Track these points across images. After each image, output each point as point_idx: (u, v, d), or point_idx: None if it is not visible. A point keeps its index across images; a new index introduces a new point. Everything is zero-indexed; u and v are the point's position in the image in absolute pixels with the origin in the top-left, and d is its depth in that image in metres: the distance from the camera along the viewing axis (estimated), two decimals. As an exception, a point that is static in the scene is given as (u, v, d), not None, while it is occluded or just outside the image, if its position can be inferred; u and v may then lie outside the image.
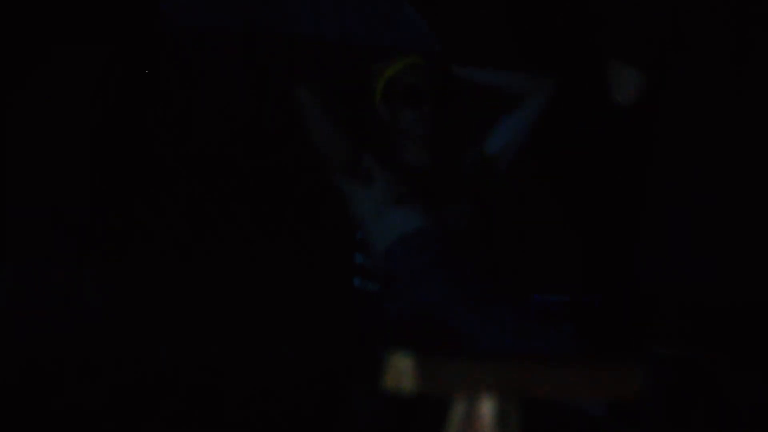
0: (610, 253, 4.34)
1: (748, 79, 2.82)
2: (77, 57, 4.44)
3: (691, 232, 2.82)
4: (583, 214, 4.56)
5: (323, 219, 4.27)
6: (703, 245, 2.81)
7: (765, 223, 2.81)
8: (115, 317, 4.35)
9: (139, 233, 4.50)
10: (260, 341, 4.29)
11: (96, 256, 4.44)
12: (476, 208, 3.45)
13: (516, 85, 3.53)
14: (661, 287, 2.86)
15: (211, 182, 4.59)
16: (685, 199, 2.83)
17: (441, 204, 3.41)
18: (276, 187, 4.56)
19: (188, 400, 4.09)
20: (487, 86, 3.56)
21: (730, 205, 2.82)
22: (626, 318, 3.84)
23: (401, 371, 1.47)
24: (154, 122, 4.58)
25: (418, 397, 1.49)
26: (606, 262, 4.36)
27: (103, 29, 4.46)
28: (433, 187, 3.45)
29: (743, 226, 2.82)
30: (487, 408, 1.50)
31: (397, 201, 3.40)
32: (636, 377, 1.60)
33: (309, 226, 4.48)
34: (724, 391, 2.79)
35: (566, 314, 3.93)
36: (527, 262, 4.38)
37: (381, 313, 3.24)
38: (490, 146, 3.54)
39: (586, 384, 1.59)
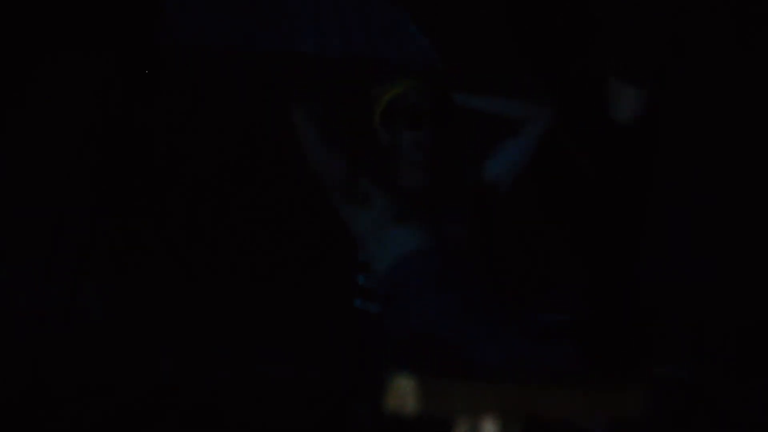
0: (612, 271, 4.33)
1: (748, 83, 2.83)
2: (77, 67, 4.45)
3: (692, 246, 2.83)
4: (584, 231, 4.55)
5: (325, 240, 4.27)
6: (705, 261, 2.82)
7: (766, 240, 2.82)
8: (115, 331, 4.34)
9: (139, 246, 4.50)
10: (261, 361, 4.29)
11: (96, 268, 4.43)
12: (476, 227, 3.45)
13: (515, 112, 3.55)
14: (662, 303, 2.86)
15: (211, 198, 4.59)
16: (686, 211, 2.84)
17: (441, 223, 3.41)
18: (278, 207, 4.56)
19: (188, 417, 4.09)
20: (487, 112, 3.58)
21: (733, 219, 2.82)
22: (628, 337, 3.84)
23: (404, 393, 1.47)
24: (154, 134, 4.58)
25: (421, 419, 1.49)
26: (608, 280, 4.36)
27: (103, 40, 4.46)
28: (432, 206, 3.45)
29: (744, 241, 2.82)
30: (489, 429, 1.50)
31: (397, 221, 3.40)
32: (638, 398, 1.60)
33: (311, 246, 4.47)
34: (725, 409, 2.78)
35: (568, 332, 3.93)
36: (529, 280, 4.38)
37: (383, 334, 3.24)
38: (489, 170, 3.55)
39: (588, 405, 1.59)
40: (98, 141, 4.48)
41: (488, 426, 1.50)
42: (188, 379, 4.20)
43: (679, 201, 2.86)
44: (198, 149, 4.60)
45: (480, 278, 3.34)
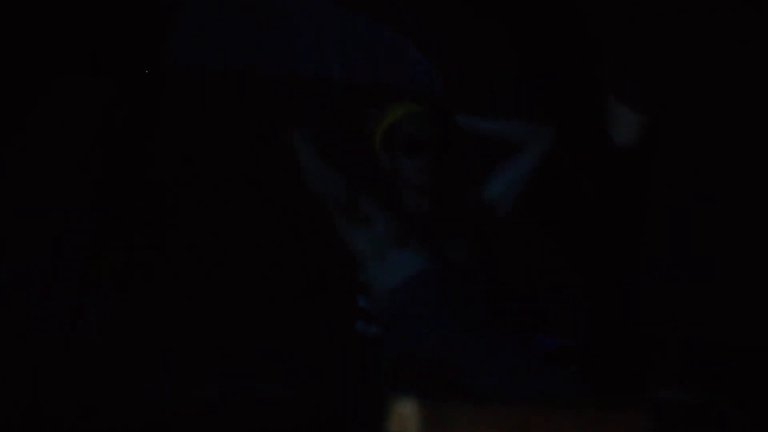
0: (613, 292, 4.33)
1: (747, 84, 2.83)
2: (83, 88, 4.46)
3: (692, 246, 2.82)
4: (584, 253, 4.55)
5: (326, 262, 4.27)
6: (706, 283, 2.81)
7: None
8: (116, 352, 4.34)
9: (141, 270, 4.49)
10: (262, 384, 4.28)
11: (97, 293, 4.43)
12: (478, 249, 3.45)
13: (516, 134, 3.56)
14: (663, 326, 2.85)
15: (212, 220, 4.59)
16: (685, 229, 2.83)
17: (442, 245, 3.41)
18: (279, 229, 4.56)
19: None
20: (488, 135, 3.59)
21: (733, 240, 2.82)
22: (629, 359, 3.84)
23: (406, 416, 1.47)
24: (155, 156, 4.58)
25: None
26: (609, 301, 4.35)
27: (106, 63, 4.47)
28: (433, 228, 3.45)
29: (745, 266, 2.82)
30: (491, 452, 1.50)
31: (398, 243, 3.41)
32: (639, 421, 1.59)
33: (311, 268, 4.47)
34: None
35: (569, 356, 3.92)
36: (531, 303, 4.37)
37: (383, 356, 3.23)
38: (489, 192, 3.56)
39: (589, 429, 1.59)
40: (100, 164, 4.48)
41: (490, 449, 1.50)
42: (188, 401, 4.19)
43: (679, 201, 2.86)
44: (199, 171, 4.61)
45: (481, 300, 3.34)
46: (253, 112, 4.61)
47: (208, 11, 4.61)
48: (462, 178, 3.64)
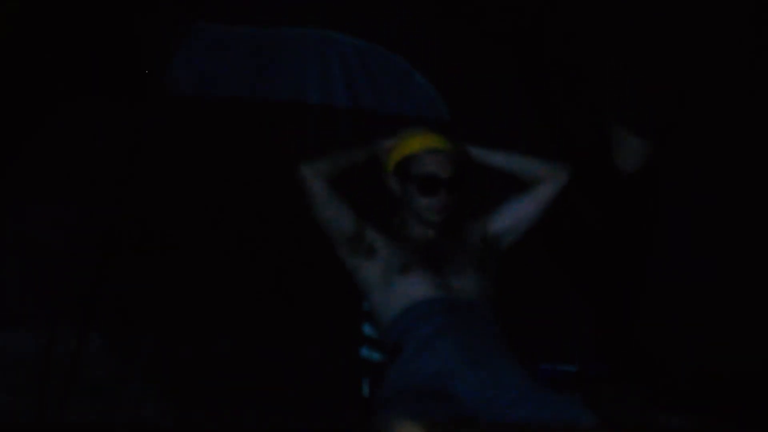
0: (617, 322, 4.33)
1: (747, 88, 2.84)
2: (84, 117, 4.48)
3: (692, 248, 2.82)
4: (589, 281, 4.55)
5: (331, 289, 4.27)
6: (705, 263, 2.81)
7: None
8: (119, 386, 4.34)
9: (143, 302, 4.50)
10: (265, 410, 4.27)
11: (101, 324, 4.43)
12: (481, 278, 3.44)
13: (530, 171, 3.53)
14: (669, 352, 2.85)
15: (217, 251, 4.59)
16: (686, 212, 2.83)
17: (446, 273, 3.41)
18: (284, 258, 4.56)
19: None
20: (501, 169, 3.57)
21: (735, 268, 2.82)
22: (634, 387, 3.83)
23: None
24: (159, 188, 4.59)
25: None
26: (613, 331, 4.35)
27: (111, 92, 4.49)
28: (437, 257, 3.44)
29: (745, 291, 2.82)
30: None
31: (401, 271, 3.40)
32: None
33: (317, 296, 4.47)
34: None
35: (574, 383, 3.91)
36: (535, 331, 4.37)
37: (387, 383, 3.22)
38: (494, 226, 3.55)
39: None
40: (105, 193, 4.49)
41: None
42: (188, 427, 4.19)
43: (680, 201, 2.87)
44: (205, 198, 4.61)
45: (485, 328, 3.33)
46: (261, 142, 4.62)
47: (213, 42, 4.63)
48: (470, 209, 3.64)
